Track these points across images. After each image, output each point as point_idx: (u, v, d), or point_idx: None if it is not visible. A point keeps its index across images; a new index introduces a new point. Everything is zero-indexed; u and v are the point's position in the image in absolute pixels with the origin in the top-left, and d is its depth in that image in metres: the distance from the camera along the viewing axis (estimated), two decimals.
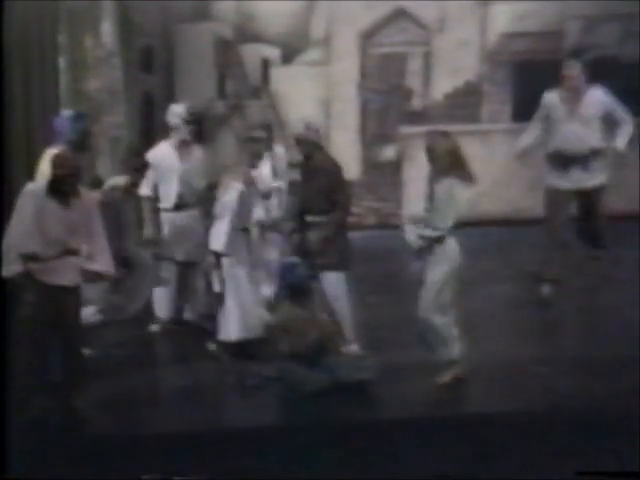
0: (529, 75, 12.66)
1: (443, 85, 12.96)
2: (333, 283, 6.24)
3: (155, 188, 7.18)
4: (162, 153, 7.21)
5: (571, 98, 6.84)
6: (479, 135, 12.14)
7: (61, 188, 5.39)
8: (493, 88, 12.92)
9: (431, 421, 5.48)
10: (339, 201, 6.19)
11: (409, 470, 4.93)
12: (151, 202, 7.20)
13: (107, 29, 9.46)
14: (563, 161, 6.79)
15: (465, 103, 12.75)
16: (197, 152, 7.31)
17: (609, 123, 6.84)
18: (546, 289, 6.97)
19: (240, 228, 6.64)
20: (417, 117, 12.87)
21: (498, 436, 5.15)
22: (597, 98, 6.88)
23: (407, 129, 12.29)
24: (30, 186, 5.51)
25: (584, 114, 6.78)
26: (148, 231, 7.16)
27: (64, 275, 5.48)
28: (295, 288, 5.94)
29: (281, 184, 7.57)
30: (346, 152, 13.05)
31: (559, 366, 6.09)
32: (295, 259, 6.19)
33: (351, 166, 12.66)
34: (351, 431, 5.38)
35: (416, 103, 13.12)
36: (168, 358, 6.89)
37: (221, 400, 5.94)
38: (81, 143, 6.31)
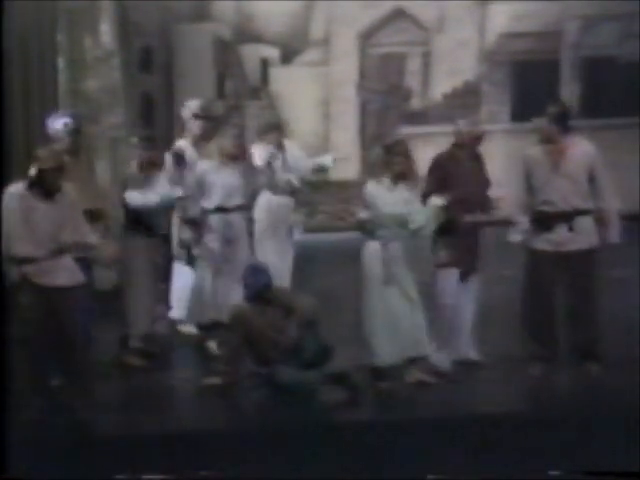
0: (528, 75, 12.69)
1: (442, 85, 12.98)
2: (477, 285, 6.27)
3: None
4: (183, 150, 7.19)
5: (553, 152, 5.95)
6: None
7: (45, 184, 5.40)
8: (492, 88, 12.93)
9: (431, 421, 5.48)
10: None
11: (409, 470, 4.92)
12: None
13: (106, 29, 9.43)
14: (547, 221, 5.97)
15: (464, 103, 12.75)
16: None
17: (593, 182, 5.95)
18: (536, 369, 6.09)
19: (215, 209, 6.63)
20: (416, 117, 12.88)
21: (498, 436, 5.15)
22: (582, 151, 5.97)
23: (406, 129, 12.29)
24: (12, 188, 5.48)
25: (568, 169, 5.90)
26: (185, 234, 7.09)
27: (58, 276, 5.48)
28: (252, 292, 5.94)
29: (292, 178, 7.52)
30: (345, 152, 13.08)
31: (559, 366, 6.09)
32: (261, 263, 6.24)
33: (350, 166, 12.69)
34: (350, 431, 5.37)
35: (415, 103, 13.14)
36: (167, 358, 6.88)
37: (219, 401, 5.93)
38: (73, 144, 6.30)
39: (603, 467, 4.74)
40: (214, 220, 6.71)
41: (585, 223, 5.94)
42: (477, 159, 6.33)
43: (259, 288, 5.92)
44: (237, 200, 6.79)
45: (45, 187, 5.41)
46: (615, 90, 12.20)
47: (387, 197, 5.88)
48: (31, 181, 5.43)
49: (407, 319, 5.85)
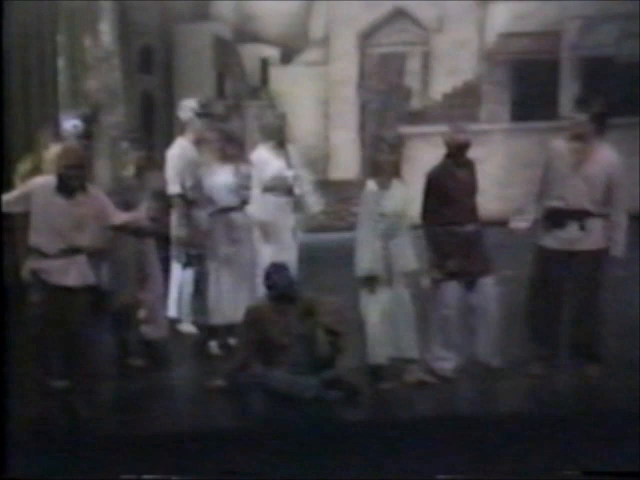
0: (528, 75, 12.69)
1: (442, 85, 12.99)
2: (489, 289, 6.14)
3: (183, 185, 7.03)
4: (183, 149, 7.19)
5: (579, 151, 5.89)
6: (478, 135, 12.12)
7: (68, 182, 5.42)
8: (492, 88, 12.94)
9: (431, 421, 5.49)
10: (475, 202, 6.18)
11: (409, 470, 4.93)
12: (182, 200, 6.98)
13: (106, 29, 9.45)
14: (559, 218, 5.95)
15: (464, 103, 12.77)
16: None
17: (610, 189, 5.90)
18: (537, 368, 6.07)
19: (215, 212, 6.64)
20: (416, 117, 12.89)
21: (498, 436, 5.16)
22: (606, 157, 5.91)
23: (406, 129, 12.29)
24: (39, 180, 5.55)
25: (589, 172, 5.86)
26: (182, 232, 7.08)
27: (69, 275, 5.49)
28: (278, 291, 5.93)
29: (295, 175, 7.53)
30: (345, 152, 13.09)
31: (561, 365, 6.10)
32: (283, 262, 6.23)
33: (350, 166, 12.70)
34: (351, 431, 5.38)
35: (415, 103, 13.15)
36: (167, 358, 6.89)
37: (216, 400, 5.94)
38: (83, 141, 6.32)
39: (604, 467, 4.76)
40: (217, 220, 6.71)
41: (596, 224, 5.92)
42: (467, 165, 6.22)
43: (284, 286, 5.91)
44: (237, 199, 6.79)
45: (65, 183, 5.43)
46: (615, 90, 12.19)
47: (387, 194, 5.92)
48: (57, 178, 5.46)
49: (398, 319, 5.90)
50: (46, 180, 5.52)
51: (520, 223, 6.05)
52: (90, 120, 6.53)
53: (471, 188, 6.17)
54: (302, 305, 5.91)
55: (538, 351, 6.08)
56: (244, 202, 6.81)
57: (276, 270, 6.00)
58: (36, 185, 5.50)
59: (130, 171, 6.64)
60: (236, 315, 6.27)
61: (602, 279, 6.01)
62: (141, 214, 5.88)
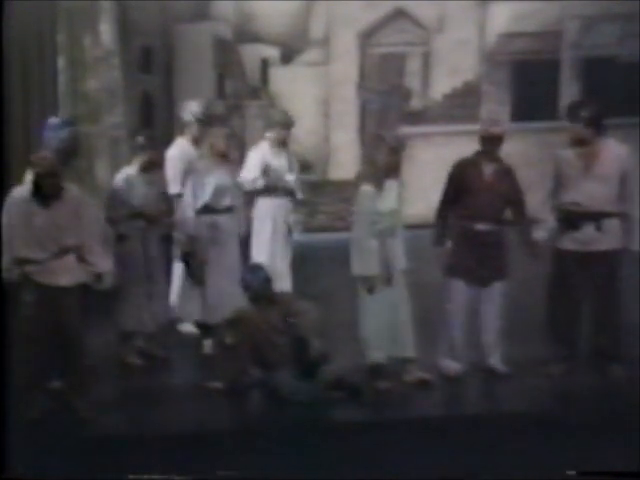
0: (528, 75, 12.70)
1: (442, 85, 13.00)
2: (497, 295, 6.10)
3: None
4: (183, 149, 7.17)
5: (586, 154, 5.88)
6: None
7: (42, 189, 5.40)
8: (492, 88, 12.95)
9: (431, 421, 5.49)
10: (519, 206, 6.08)
11: (409, 470, 4.93)
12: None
13: (106, 29, 9.44)
14: (574, 220, 5.94)
15: (464, 103, 12.77)
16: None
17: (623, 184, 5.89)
18: (555, 369, 6.08)
19: (203, 209, 6.64)
20: (416, 117, 12.89)
21: (498, 436, 5.16)
22: (615, 154, 5.90)
23: (406, 129, 12.30)
24: (15, 191, 5.51)
25: (601, 172, 5.85)
26: (182, 234, 7.02)
27: (61, 275, 5.48)
28: (254, 292, 5.94)
29: (296, 179, 7.55)
30: (345, 152, 13.11)
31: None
32: (258, 263, 6.23)
33: (350, 166, 12.71)
34: (351, 431, 5.38)
35: (415, 103, 13.15)
36: (167, 358, 6.88)
37: (219, 401, 5.94)
38: (68, 150, 6.27)
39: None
40: (201, 221, 6.68)
41: (612, 224, 5.91)
42: (500, 166, 6.09)
43: (259, 285, 5.91)
44: (226, 202, 6.75)
45: (42, 192, 5.41)
46: (615, 90, 12.20)
47: (382, 193, 5.93)
48: (31, 187, 5.44)
49: (396, 318, 5.90)
50: (21, 191, 5.49)
51: (542, 233, 6.05)
52: (74, 132, 6.45)
53: (496, 188, 6.01)
54: (282, 304, 5.93)
55: (558, 351, 6.09)
56: (230, 207, 6.79)
57: (250, 271, 6.04)
58: (13, 197, 5.46)
59: (134, 168, 6.63)
60: (220, 315, 6.31)
61: (620, 278, 6.00)
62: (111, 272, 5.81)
